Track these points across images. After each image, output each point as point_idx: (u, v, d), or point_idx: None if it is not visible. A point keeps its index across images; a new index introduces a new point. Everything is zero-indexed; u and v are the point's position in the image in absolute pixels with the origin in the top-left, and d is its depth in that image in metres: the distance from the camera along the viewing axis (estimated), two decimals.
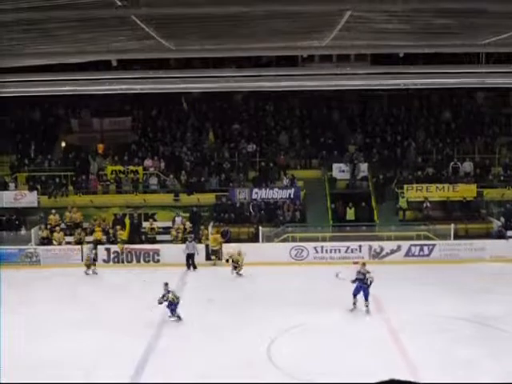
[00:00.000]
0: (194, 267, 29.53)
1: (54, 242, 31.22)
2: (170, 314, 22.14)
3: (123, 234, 31.45)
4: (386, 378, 4.70)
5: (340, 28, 10.30)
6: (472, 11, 9.17)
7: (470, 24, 10.29)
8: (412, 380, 4.83)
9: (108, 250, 30.67)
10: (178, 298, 22.15)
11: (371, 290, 22.67)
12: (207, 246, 30.56)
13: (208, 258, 30.44)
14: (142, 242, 31.55)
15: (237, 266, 28.11)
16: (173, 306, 22.05)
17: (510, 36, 10.94)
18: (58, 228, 31.97)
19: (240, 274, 28.09)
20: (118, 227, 31.64)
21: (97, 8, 8.68)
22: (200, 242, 30.91)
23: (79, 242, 31.28)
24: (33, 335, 20.54)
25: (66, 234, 32.12)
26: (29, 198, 34.11)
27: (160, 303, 21.83)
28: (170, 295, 21.87)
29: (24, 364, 17.98)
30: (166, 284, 22.17)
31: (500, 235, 30.94)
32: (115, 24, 9.77)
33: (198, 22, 9.81)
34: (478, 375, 16.79)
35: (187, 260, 29.57)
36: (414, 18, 9.86)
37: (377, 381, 4.67)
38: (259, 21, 9.90)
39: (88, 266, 28.81)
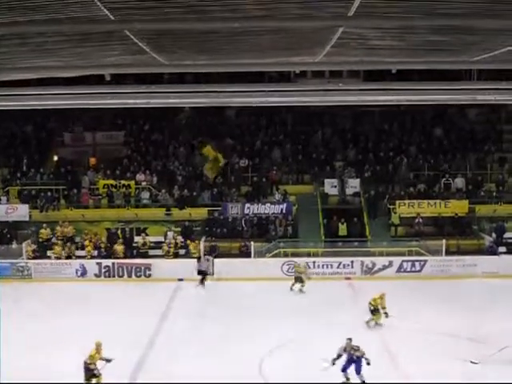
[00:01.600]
0: (201, 282, 28.96)
1: (53, 256, 31.01)
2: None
3: (120, 250, 31.21)
4: None
5: (332, 44, 10.34)
6: (464, 28, 9.22)
7: (461, 41, 10.34)
8: None
9: (99, 264, 30.52)
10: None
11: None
12: (199, 259, 30.33)
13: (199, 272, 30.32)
14: (133, 257, 31.43)
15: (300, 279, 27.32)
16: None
17: (501, 53, 11.00)
18: (59, 242, 31.90)
19: (302, 291, 27.58)
20: (120, 241, 31.65)
21: (90, 23, 8.69)
22: (192, 256, 30.86)
23: (69, 257, 31.17)
24: (25, 349, 20.40)
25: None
26: (20, 212, 33.97)
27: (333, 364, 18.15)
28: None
29: (18, 377, 17.88)
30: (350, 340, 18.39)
31: (491, 251, 30.94)
32: (108, 38, 9.78)
33: (191, 37, 9.85)
34: None
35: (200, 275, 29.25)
36: (406, 35, 9.90)
37: None
38: (252, 37, 9.93)
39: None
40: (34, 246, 31.77)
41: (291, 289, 27.76)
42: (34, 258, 31.28)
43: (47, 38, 9.54)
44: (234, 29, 8.96)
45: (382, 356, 20.02)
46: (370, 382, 17.72)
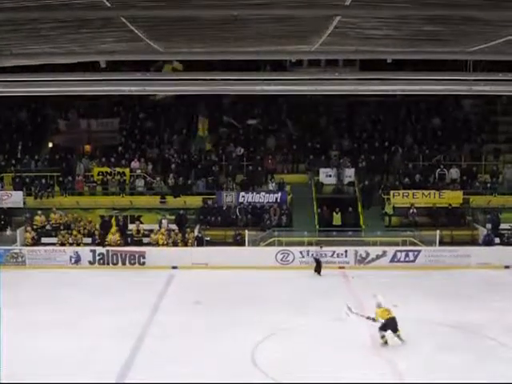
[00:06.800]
0: (319, 272, 29.06)
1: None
2: None
3: (112, 239, 31.10)
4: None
5: (329, 33, 10.32)
6: (461, 18, 9.22)
7: (458, 31, 10.34)
8: None
9: (93, 251, 30.51)
10: None
11: None
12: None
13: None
14: (127, 244, 31.40)
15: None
16: None
17: (497, 44, 11.00)
18: (114, 228, 31.69)
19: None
20: (114, 229, 31.43)
21: (86, 9, 8.66)
22: (186, 245, 30.89)
23: (63, 244, 31.14)
24: (18, 336, 20.36)
25: (51, 236, 32.05)
26: (14, 199, 33.96)
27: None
28: None
29: (11, 364, 17.83)
30: None
31: (488, 241, 30.98)
32: (104, 25, 9.76)
33: (187, 24, 9.82)
34: (462, 381, 16.81)
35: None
36: (403, 25, 9.89)
37: None
38: (249, 25, 9.92)
39: None
40: (33, 233, 31.73)
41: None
42: (32, 244, 31.26)
43: (43, 25, 9.51)
44: (231, 17, 8.95)
45: (373, 346, 20.09)
46: (355, 374, 17.70)
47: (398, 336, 19.80)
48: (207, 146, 37.62)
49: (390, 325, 19.68)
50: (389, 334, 19.70)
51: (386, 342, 19.84)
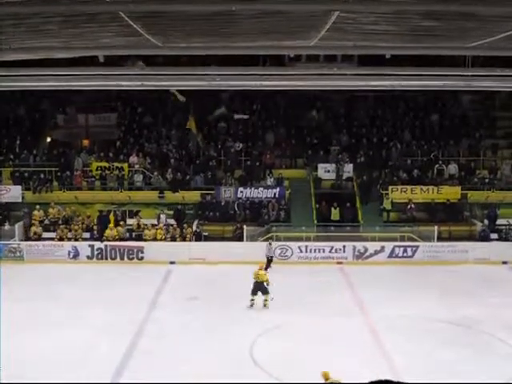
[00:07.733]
0: (266, 268, 27.68)
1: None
2: None
3: (114, 232, 31.05)
4: (369, 379, 4.72)
5: (328, 28, 10.31)
6: (460, 14, 9.21)
7: (457, 27, 10.33)
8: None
9: (92, 246, 30.50)
10: None
11: None
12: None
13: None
14: (127, 239, 31.33)
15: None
16: None
17: (496, 39, 11.00)
18: (112, 223, 31.44)
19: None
20: (112, 224, 31.29)
21: (85, 4, 8.65)
22: (184, 240, 30.87)
23: (62, 238, 31.11)
24: (17, 334, 20.33)
25: (49, 230, 32.01)
26: (13, 193, 33.94)
27: None
28: None
29: (8, 361, 17.81)
30: None
31: (484, 236, 31.03)
32: (103, 20, 9.74)
33: (186, 19, 9.81)
34: (460, 377, 16.80)
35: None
36: (401, 20, 9.89)
37: (360, 382, 4.69)
38: (247, 20, 9.91)
39: None
40: (40, 228, 31.72)
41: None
42: (37, 239, 31.24)
43: (41, 19, 9.49)
44: (230, 12, 8.93)
45: (369, 342, 20.11)
46: (353, 370, 17.70)
47: (266, 300, 23.17)
48: (200, 143, 37.42)
49: (258, 288, 23.18)
50: (257, 297, 23.16)
51: (251, 306, 23.21)
